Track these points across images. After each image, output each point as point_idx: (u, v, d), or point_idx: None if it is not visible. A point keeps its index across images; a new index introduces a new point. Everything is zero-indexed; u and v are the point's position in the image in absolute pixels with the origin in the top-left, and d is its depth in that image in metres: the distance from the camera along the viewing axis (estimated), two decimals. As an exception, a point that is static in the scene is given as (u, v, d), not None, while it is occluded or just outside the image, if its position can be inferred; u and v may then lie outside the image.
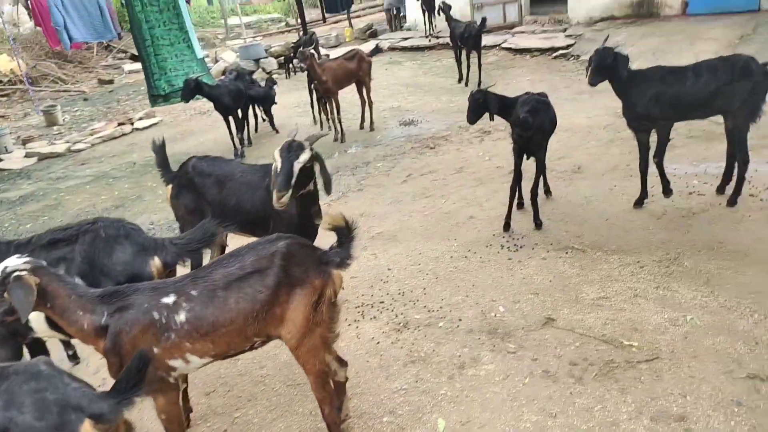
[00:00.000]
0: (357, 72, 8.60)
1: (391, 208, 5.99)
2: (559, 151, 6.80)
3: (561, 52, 11.64)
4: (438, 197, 6.07)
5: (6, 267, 2.18)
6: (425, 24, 15.06)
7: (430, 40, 14.82)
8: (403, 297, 4.16)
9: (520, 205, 5.41)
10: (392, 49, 15.46)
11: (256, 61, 13.69)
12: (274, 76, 13.63)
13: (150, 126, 11.50)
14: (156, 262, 2.92)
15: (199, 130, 10.71)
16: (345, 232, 2.53)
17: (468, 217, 5.46)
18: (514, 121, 4.72)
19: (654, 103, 4.52)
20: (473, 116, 5.23)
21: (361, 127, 9.18)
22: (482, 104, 5.12)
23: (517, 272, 4.32)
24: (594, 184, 5.75)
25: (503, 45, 13.23)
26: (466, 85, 11.01)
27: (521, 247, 4.72)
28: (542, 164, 4.93)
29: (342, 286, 2.55)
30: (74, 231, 3.00)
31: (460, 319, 3.74)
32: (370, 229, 5.54)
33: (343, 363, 2.85)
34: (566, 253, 4.51)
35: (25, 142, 11.10)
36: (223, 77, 9.20)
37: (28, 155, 10.31)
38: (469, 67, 10.89)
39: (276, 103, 9.66)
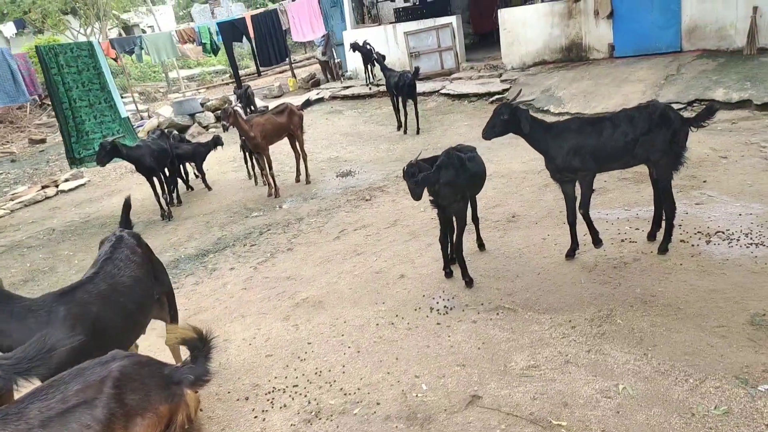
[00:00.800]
0: (287, 126, 8.36)
1: (320, 270, 5.64)
2: (495, 199, 6.66)
3: (497, 96, 11.75)
4: (370, 254, 5.77)
5: None
6: (365, 73, 15.10)
7: (370, 89, 14.83)
8: (320, 378, 3.77)
9: (454, 260, 5.16)
10: (333, 97, 15.40)
11: (191, 115, 13.33)
12: (211, 130, 13.33)
13: (77, 187, 10.93)
14: None
15: (127, 189, 10.18)
16: (198, 345, 2.16)
17: (399, 276, 5.16)
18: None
19: (573, 156, 4.37)
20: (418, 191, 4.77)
21: (297, 180, 8.89)
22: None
23: (445, 340, 4.00)
24: (528, 234, 5.56)
25: (442, 91, 13.32)
26: (405, 132, 10.93)
27: (451, 309, 4.43)
28: (461, 221, 4.69)
29: (200, 407, 2.17)
30: None
31: (378, 403, 3.37)
32: (295, 295, 5.16)
33: None
34: (497, 314, 4.24)
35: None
36: (146, 137, 8.79)
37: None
38: (406, 114, 10.83)
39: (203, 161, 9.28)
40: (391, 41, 15.29)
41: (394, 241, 6.00)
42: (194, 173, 9.54)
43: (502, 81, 12.65)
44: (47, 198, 10.52)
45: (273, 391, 3.69)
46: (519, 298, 4.41)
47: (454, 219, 4.70)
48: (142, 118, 14.85)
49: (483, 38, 18.07)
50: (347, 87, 16.00)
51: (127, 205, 3.97)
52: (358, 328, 4.36)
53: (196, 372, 2.09)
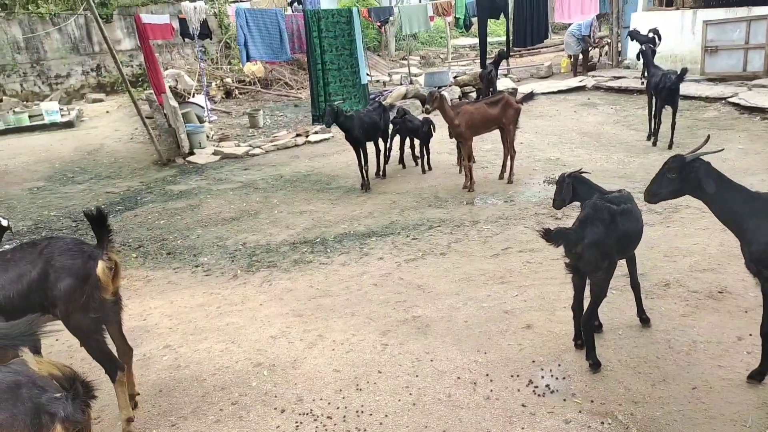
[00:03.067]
0: (499, 118, 7.70)
1: (454, 288, 5.13)
2: (710, 260, 5.12)
3: (805, 118, 8.94)
4: (513, 287, 5.02)
5: None
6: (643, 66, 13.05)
7: (642, 83, 12.79)
8: (357, 419, 3.42)
9: (598, 327, 4.14)
10: (597, 87, 13.77)
11: (438, 88, 13.36)
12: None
13: (321, 141, 12.05)
14: None
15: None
16: (66, 384, 2.03)
17: (525, 326, 4.36)
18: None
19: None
20: (558, 201, 4.28)
21: (501, 176, 8.23)
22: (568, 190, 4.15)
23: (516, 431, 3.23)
24: (722, 323, 4.12)
25: (731, 99, 10.73)
26: (654, 143, 9.18)
27: (553, 391, 3.56)
28: (601, 292, 3.65)
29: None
30: None
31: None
32: (411, 309, 4.80)
33: None
34: (602, 423, 3.24)
35: (221, 140, 12.57)
36: (369, 107, 9.08)
37: (215, 153, 11.62)
38: (660, 122, 9.03)
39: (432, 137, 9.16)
40: (686, 30, 12.84)
41: (550, 279, 5.10)
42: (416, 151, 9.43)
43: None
44: (296, 146, 11.87)
45: (307, 414, 3.49)
46: (645, 413, 3.29)
47: (592, 287, 3.71)
48: (401, 83, 15.55)
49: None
50: (618, 77, 14.12)
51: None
52: (436, 375, 3.82)
53: (67, 409, 2.00)
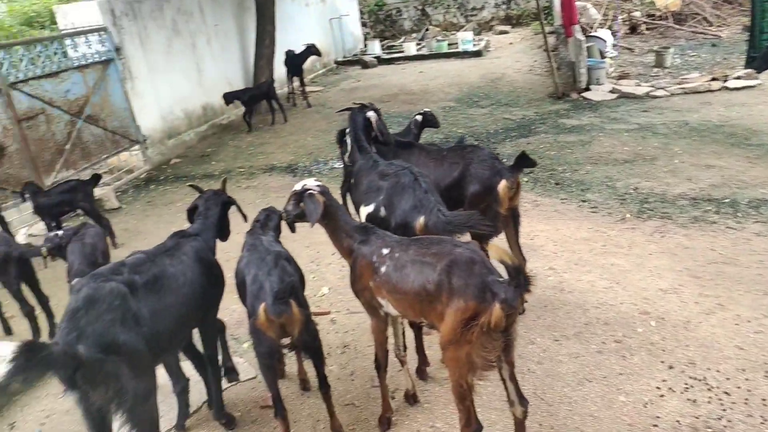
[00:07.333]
0: None
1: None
2: None
3: None
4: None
5: (305, 185, 3.03)
6: None
7: None
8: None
9: None
10: None
11: None
12: None
13: (743, 88, 10.19)
14: (420, 221, 3.22)
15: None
16: (512, 272, 2.18)
17: None
18: None
19: None
20: None
21: None
22: None
23: None
24: None
25: None
26: None
27: None
28: None
29: (501, 323, 2.22)
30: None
31: None
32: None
33: (522, 400, 2.56)
34: None
35: (620, 77, 11.92)
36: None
37: (612, 91, 11.12)
38: None
39: None
40: None
41: None
42: None
43: None
44: (709, 91, 10.34)
45: (699, 381, 3.22)
46: None
47: None
48: None
49: None
50: None
51: None
52: None
53: (508, 293, 2.21)
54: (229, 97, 11.15)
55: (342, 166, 4.93)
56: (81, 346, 2.32)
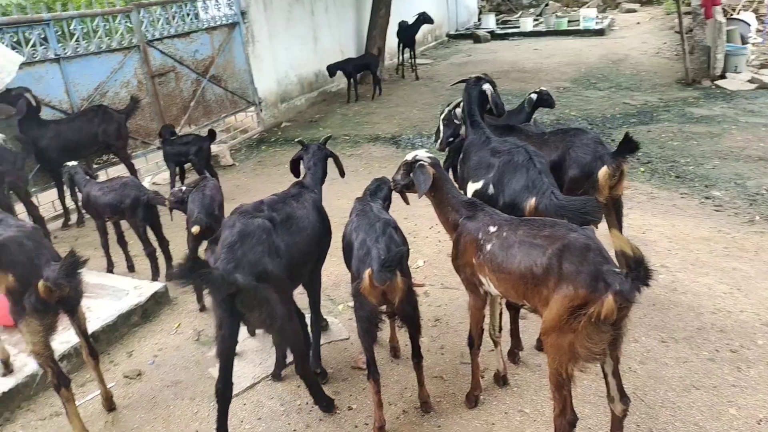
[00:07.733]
0: None
1: None
2: None
3: None
4: None
5: (416, 156, 3.00)
6: None
7: None
8: None
9: None
10: None
11: None
12: None
13: None
14: (531, 203, 3.07)
15: None
16: (632, 264, 2.02)
17: None
18: None
19: None
20: None
21: None
22: None
23: None
24: None
25: None
26: None
27: None
28: None
29: (611, 316, 2.08)
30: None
31: None
32: None
33: (624, 397, 2.42)
34: None
35: (762, 66, 10.77)
36: None
37: (752, 81, 10.08)
38: None
39: None
40: None
41: None
42: None
43: None
44: None
45: None
46: None
47: None
48: None
49: None
50: None
51: None
52: None
53: (624, 286, 2.06)
54: (332, 69, 11.29)
55: (438, 148, 4.84)
56: (238, 274, 2.64)
